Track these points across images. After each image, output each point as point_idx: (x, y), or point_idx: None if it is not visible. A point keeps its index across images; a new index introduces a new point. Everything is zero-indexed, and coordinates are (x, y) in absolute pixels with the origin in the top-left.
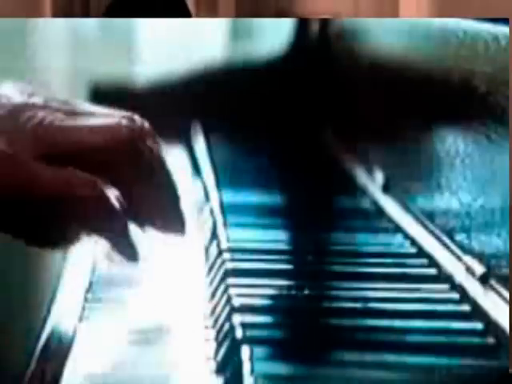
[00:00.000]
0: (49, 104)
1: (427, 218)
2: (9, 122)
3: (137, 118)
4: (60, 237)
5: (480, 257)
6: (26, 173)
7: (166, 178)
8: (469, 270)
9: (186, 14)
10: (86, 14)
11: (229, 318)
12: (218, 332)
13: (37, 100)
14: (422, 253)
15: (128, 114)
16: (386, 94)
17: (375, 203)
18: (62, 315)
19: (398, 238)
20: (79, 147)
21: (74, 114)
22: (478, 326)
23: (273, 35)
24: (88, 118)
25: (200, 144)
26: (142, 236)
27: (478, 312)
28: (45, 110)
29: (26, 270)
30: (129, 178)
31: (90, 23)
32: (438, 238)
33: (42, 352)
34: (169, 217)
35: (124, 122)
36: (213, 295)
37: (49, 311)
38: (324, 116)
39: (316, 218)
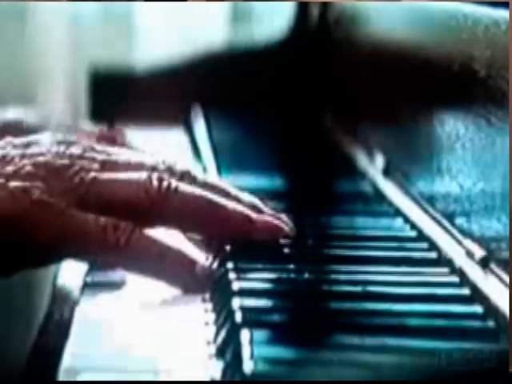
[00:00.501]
0: (86, 154)
1: (427, 201)
2: (47, 171)
3: (169, 167)
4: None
5: (480, 240)
6: (64, 220)
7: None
8: (469, 253)
9: None
10: None
11: (228, 301)
12: (218, 316)
13: (74, 150)
14: (422, 236)
15: (158, 164)
16: (386, 78)
17: (375, 187)
18: (62, 299)
19: (398, 221)
20: (112, 199)
21: (109, 164)
22: (478, 309)
23: (273, 19)
24: (122, 170)
25: (200, 127)
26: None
27: (477, 295)
28: (82, 160)
29: None
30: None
31: (90, 7)
32: (438, 222)
33: (40, 335)
34: None
35: (154, 176)
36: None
37: (48, 295)
38: (324, 99)
39: (316, 202)
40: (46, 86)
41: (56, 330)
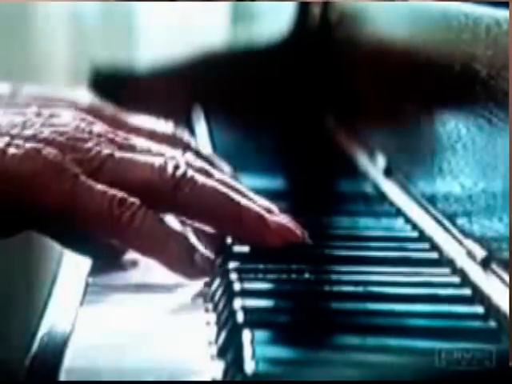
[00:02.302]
0: (106, 134)
1: (429, 202)
2: (65, 139)
3: (184, 156)
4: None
5: (481, 241)
6: (74, 185)
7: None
8: (470, 253)
9: None
10: None
11: (230, 302)
12: (219, 316)
13: (95, 128)
14: (423, 237)
15: (175, 153)
16: (387, 78)
17: (377, 187)
18: (63, 299)
19: (400, 222)
20: (124, 178)
21: (127, 147)
22: (479, 309)
23: (274, 18)
24: (139, 153)
25: (201, 127)
26: None
27: (479, 296)
28: (101, 138)
29: (26, 254)
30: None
31: (91, 7)
32: (440, 222)
33: (43, 336)
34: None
35: (171, 162)
36: (213, 279)
37: (49, 295)
38: (325, 100)
39: (317, 202)
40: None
41: (57, 330)
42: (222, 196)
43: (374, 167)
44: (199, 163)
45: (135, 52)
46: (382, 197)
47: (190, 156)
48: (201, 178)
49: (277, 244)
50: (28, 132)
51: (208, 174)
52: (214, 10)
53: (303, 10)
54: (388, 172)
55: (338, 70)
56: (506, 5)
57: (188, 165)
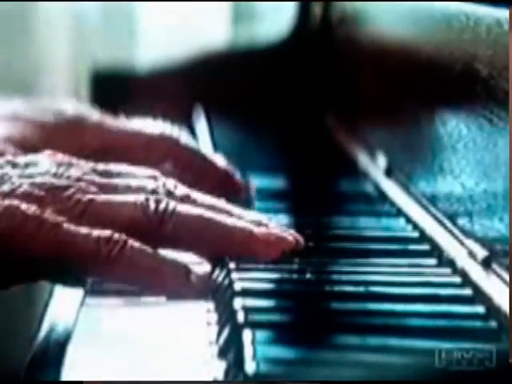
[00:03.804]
0: (85, 177)
1: (429, 201)
2: (44, 191)
3: (165, 185)
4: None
5: (482, 241)
6: (57, 233)
7: None
8: (471, 253)
9: None
10: None
11: (230, 302)
12: (220, 316)
13: (73, 172)
14: (424, 237)
15: (159, 187)
16: (388, 78)
17: (377, 187)
18: (64, 300)
19: (400, 222)
20: (108, 221)
21: (108, 188)
22: (480, 309)
23: (274, 18)
24: (119, 193)
25: (202, 127)
26: None
27: (480, 296)
28: (80, 182)
29: None
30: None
31: (91, 7)
32: (441, 222)
33: (43, 337)
34: None
35: (152, 198)
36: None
37: (50, 296)
38: (326, 99)
39: (318, 202)
40: (47, 87)
41: (58, 331)
42: (208, 221)
43: (374, 167)
44: (181, 189)
45: (136, 52)
46: (382, 197)
47: (170, 183)
48: (184, 208)
49: (271, 254)
50: (5, 188)
51: (191, 200)
52: (214, 9)
53: (304, 10)
54: (389, 172)
55: (338, 70)
56: (506, 5)
57: (169, 194)
